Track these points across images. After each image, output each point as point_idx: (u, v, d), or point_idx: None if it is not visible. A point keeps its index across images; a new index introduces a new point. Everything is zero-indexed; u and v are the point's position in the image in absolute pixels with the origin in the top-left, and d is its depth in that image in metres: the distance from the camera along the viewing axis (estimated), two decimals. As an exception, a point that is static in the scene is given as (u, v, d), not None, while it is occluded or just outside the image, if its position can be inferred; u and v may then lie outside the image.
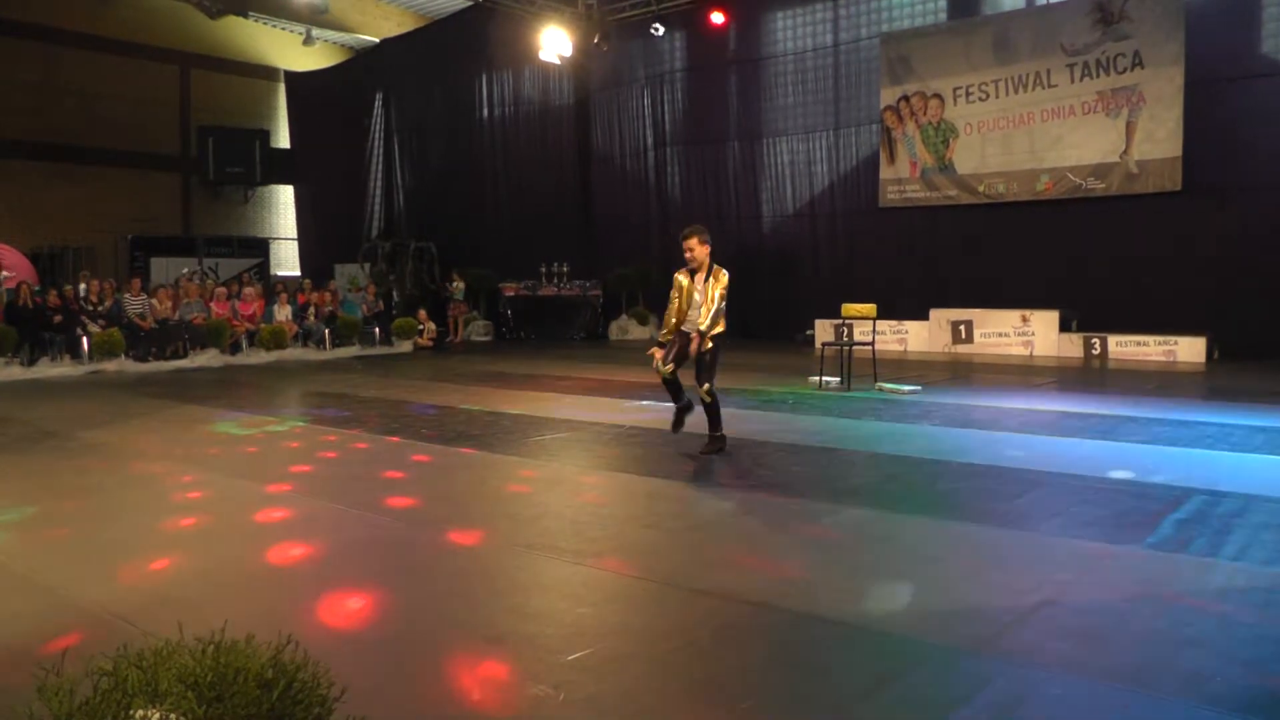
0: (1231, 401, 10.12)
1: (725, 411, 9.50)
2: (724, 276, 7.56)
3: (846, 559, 4.83)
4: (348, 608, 4.13)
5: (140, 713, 1.97)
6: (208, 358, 16.20)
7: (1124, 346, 15.20)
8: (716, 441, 7.68)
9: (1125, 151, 15.81)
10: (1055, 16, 16.51)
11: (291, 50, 26.69)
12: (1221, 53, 14.98)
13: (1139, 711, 3.11)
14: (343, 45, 27.45)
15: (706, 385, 7.53)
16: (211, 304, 17.52)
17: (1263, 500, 5.76)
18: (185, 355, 16.21)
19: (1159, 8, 15.38)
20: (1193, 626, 3.79)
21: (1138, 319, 15.30)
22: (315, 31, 25.95)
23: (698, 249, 7.47)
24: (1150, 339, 15.01)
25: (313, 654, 2.33)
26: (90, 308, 16.22)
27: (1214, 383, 12.16)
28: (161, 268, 22.68)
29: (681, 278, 7.58)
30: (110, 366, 14.92)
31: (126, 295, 16.55)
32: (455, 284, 22.06)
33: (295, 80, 27.11)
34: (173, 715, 1.98)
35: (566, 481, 6.78)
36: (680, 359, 7.69)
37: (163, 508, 6.02)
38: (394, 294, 20.66)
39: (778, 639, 3.77)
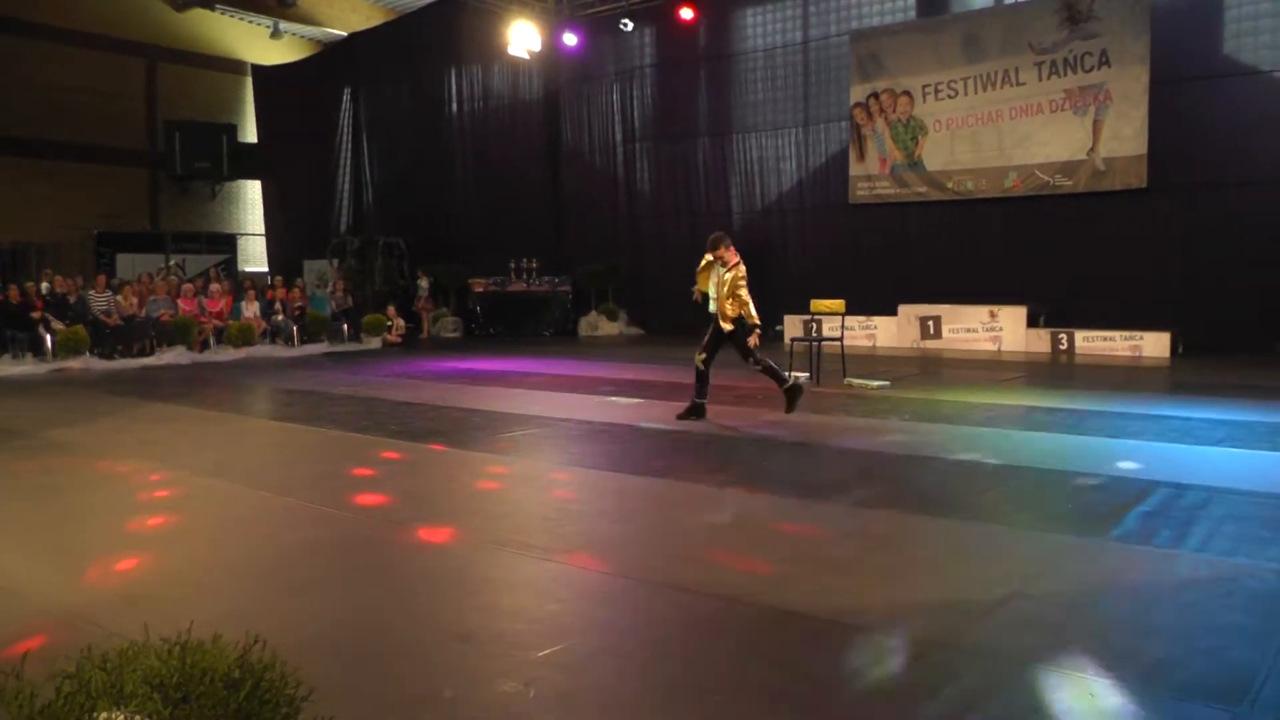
0: (1195, 396, 10.24)
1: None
2: (733, 271, 8.79)
3: (817, 553, 4.85)
4: (317, 606, 4.11)
5: (104, 715, 1.94)
6: (175, 355, 16.05)
7: (1091, 342, 15.34)
8: (792, 393, 9.07)
9: (1092, 149, 15.95)
10: (1023, 15, 16.62)
11: (259, 43, 26.46)
12: (1186, 53, 15.14)
13: (1105, 701, 3.15)
14: (311, 39, 27.24)
15: (751, 359, 8.90)
16: (179, 300, 17.35)
17: (1225, 492, 5.84)
18: (152, 353, 16.06)
19: (1125, 7, 15.51)
20: (1157, 616, 3.85)
21: (1104, 314, 15.44)
22: (283, 25, 25.74)
23: (725, 254, 8.80)
24: (1116, 334, 15.15)
25: (281, 654, 2.31)
26: (49, 299, 16.02)
27: (1178, 377, 12.30)
28: (128, 264, 22.42)
29: (708, 255, 8.92)
30: (75, 365, 14.74)
31: (91, 292, 16.37)
32: (420, 280, 22.00)
33: (263, 74, 26.86)
34: (137, 717, 1.96)
35: (537, 478, 6.77)
36: (713, 349, 8.94)
37: (129, 507, 5.96)
38: (345, 290, 20.35)
39: (748, 634, 3.78)
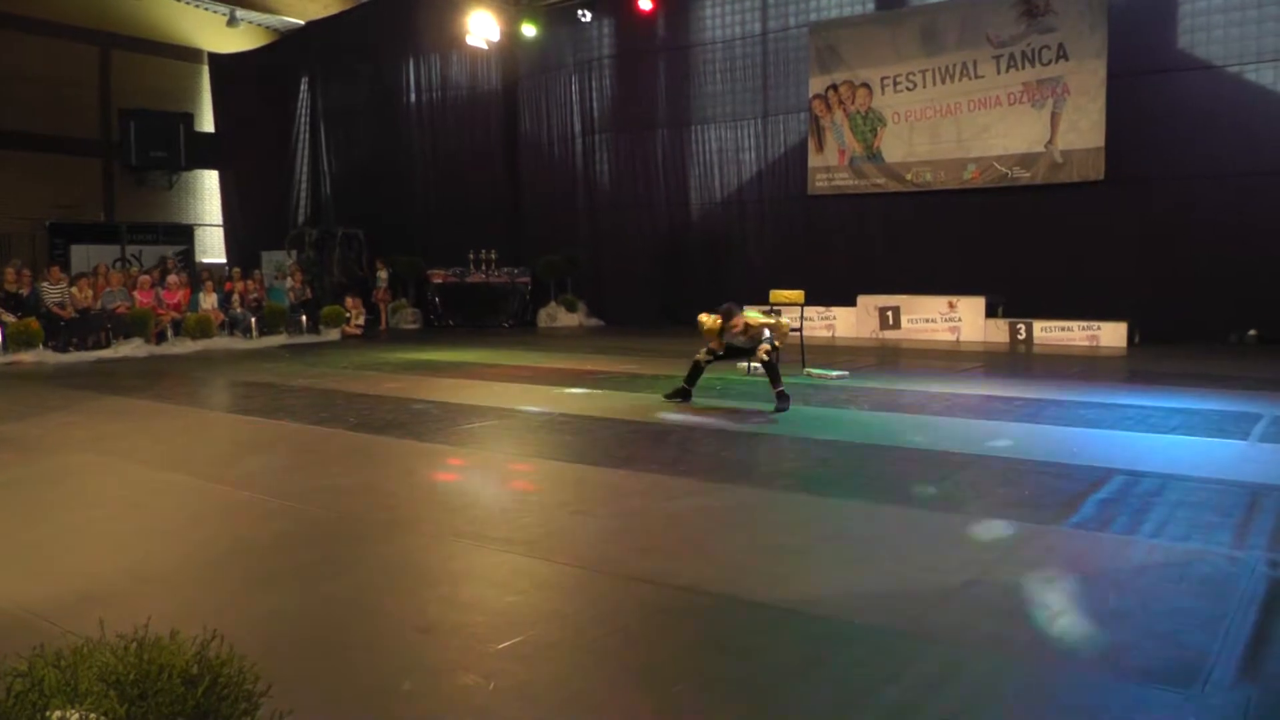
0: (1151, 384, 10.38)
1: (655, 397, 9.60)
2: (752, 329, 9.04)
3: (775, 542, 4.87)
4: (275, 600, 4.08)
5: (58, 714, 1.91)
6: (132, 348, 15.82)
7: (1049, 331, 15.51)
8: (783, 399, 8.90)
9: (1050, 141, 16.11)
10: (981, 8, 16.74)
11: (215, 31, 26.06)
12: (1142, 47, 15.33)
13: (1062, 685, 3.20)
14: (268, 27, 26.90)
15: (767, 347, 8.99)
16: (135, 292, 17.10)
17: (1179, 479, 5.93)
18: (108, 345, 15.83)
19: (1083, 2, 15.67)
20: (1113, 602, 3.90)
21: (1062, 305, 15.62)
22: (239, 12, 25.40)
23: (740, 324, 8.99)
24: (1074, 324, 15.34)
25: (239, 649, 2.29)
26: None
27: (1134, 366, 12.46)
28: (82, 255, 22.06)
29: (705, 319, 9.22)
30: (27, 358, 14.49)
31: (44, 284, 16.09)
32: (379, 272, 21.86)
33: (219, 62, 26.51)
34: (92, 715, 1.93)
35: (496, 469, 6.75)
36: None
37: (84, 502, 5.88)
38: (303, 282, 20.12)
39: (708, 623, 3.79)
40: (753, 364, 11.70)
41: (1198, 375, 11.09)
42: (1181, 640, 3.50)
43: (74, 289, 16.27)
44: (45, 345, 14.98)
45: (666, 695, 3.14)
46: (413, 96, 24.16)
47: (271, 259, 23.29)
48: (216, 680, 2.12)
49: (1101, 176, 15.65)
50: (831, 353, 14.14)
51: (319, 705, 3.03)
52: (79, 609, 3.86)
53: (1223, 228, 14.69)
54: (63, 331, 15.53)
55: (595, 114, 21.59)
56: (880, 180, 17.95)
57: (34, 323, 14.93)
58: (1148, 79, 15.29)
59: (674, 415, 8.70)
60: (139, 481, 6.40)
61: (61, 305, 15.87)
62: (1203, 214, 14.87)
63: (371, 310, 21.31)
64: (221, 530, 5.20)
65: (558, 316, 21.06)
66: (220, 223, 27.11)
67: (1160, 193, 15.30)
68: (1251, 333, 14.57)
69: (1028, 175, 16.37)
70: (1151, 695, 3.09)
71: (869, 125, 17.94)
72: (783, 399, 8.86)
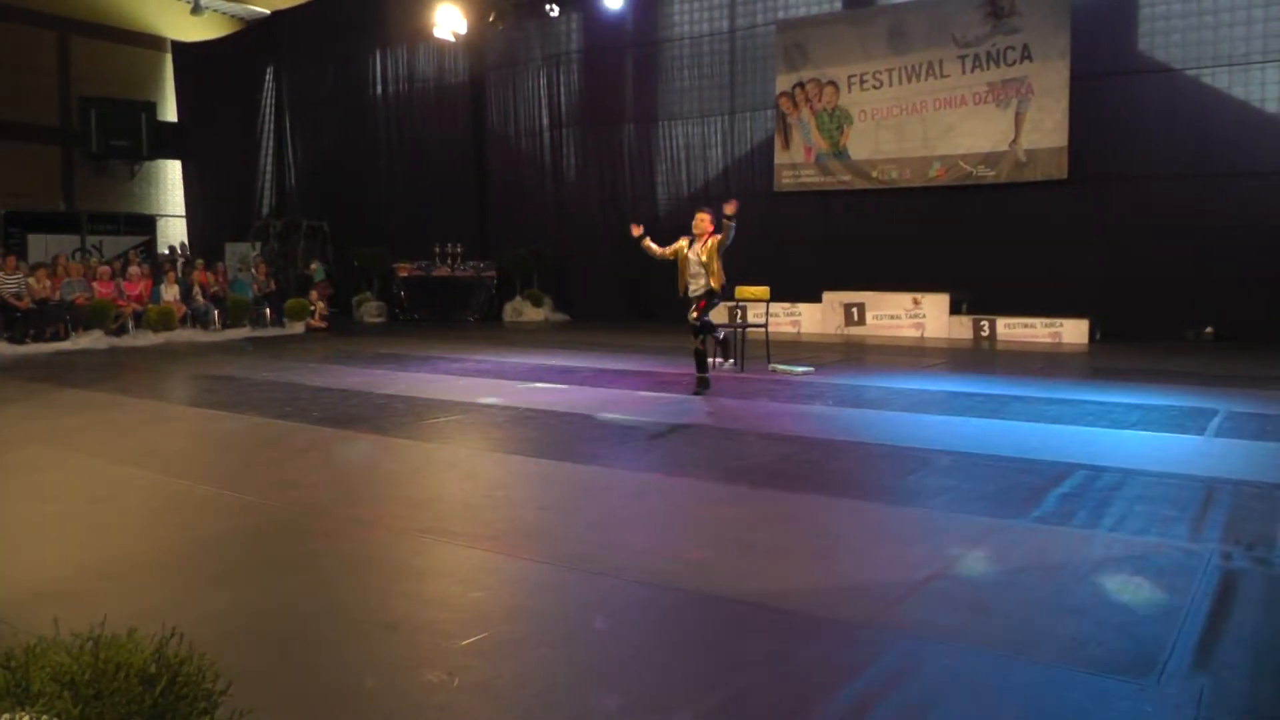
0: (1111, 381, 10.50)
1: (621, 392, 9.61)
2: (711, 241, 9.61)
3: (741, 538, 4.88)
4: (237, 597, 4.04)
5: (7, 716, 1.88)
6: (91, 340, 15.62)
7: (1012, 328, 15.65)
8: (702, 384, 9.51)
9: (1014, 141, 16.24)
10: (947, 9, 16.84)
11: (179, 18, 25.69)
12: (1104, 49, 15.51)
13: (1023, 677, 3.22)
14: (233, 15, 26.59)
15: (722, 336, 9.57)
16: (95, 283, 16.86)
17: (1138, 474, 6.00)
18: (66, 337, 15.61)
19: (1046, 4, 15.81)
20: (1073, 595, 3.95)
21: (1025, 302, 15.77)
22: (204, 0, 25.10)
23: (704, 224, 9.72)
24: (1037, 321, 15.49)
25: (198, 647, 2.26)
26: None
27: (1096, 363, 12.60)
28: (40, 245, 21.72)
29: (682, 241, 9.79)
30: (-19, 349, 14.28)
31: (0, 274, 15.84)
32: (313, 266, 21.59)
33: (183, 51, 26.18)
34: (44, 717, 1.89)
35: (460, 464, 6.72)
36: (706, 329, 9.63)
37: (40, 496, 5.79)
38: (267, 274, 19.89)
39: (673, 619, 3.80)
40: (719, 360, 11.74)
41: (1156, 371, 11.24)
42: (1138, 632, 3.54)
43: (31, 279, 16.02)
44: (0, 337, 14.75)
45: (632, 692, 3.14)
46: (379, 88, 23.99)
47: (235, 250, 23.06)
48: (175, 679, 2.09)
49: (1064, 176, 15.80)
50: (797, 349, 14.21)
51: (280, 703, 3.00)
52: (33, 607, 3.80)
53: (1180, 227, 14.90)
54: (19, 323, 15.30)
55: (563, 108, 21.53)
56: (846, 177, 18.03)
57: (-12, 313, 14.70)
58: (1109, 80, 15.47)
59: (639, 410, 8.70)
60: (97, 476, 6.32)
61: (18, 296, 15.61)
62: (1161, 213, 15.08)
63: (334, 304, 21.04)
64: (182, 526, 5.14)
65: (523, 311, 20.98)
66: (183, 213, 26.79)
67: (1121, 192, 15.48)
68: (1208, 330, 14.78)
69: (992, 174, 16.50)
70: (1109, 686, 3.13)
71: (835, 123, 18.01)
72: (703, 384, 9.49)
